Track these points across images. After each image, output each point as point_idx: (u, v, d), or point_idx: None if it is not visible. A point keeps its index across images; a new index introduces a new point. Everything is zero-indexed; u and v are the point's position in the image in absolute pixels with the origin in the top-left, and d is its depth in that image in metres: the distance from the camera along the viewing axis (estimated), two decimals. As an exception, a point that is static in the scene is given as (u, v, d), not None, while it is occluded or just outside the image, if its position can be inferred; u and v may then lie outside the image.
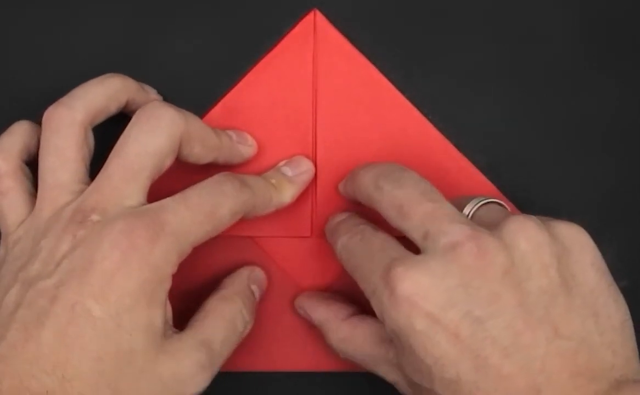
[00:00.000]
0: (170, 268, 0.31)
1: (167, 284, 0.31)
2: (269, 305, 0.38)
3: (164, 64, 0.39)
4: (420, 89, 0.38)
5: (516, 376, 0.28)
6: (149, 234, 0.30)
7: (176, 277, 0.32)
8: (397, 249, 0.32)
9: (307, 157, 0.38)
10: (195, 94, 0.38)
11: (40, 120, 0.34)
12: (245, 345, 0.37)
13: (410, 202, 0.31)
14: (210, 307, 0.34)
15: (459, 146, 0.38)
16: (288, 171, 0.37)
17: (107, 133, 0.34)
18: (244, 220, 0.34)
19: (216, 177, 0.33)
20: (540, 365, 0.28)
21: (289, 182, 0.36)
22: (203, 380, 0.32)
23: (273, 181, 0.36)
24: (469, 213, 0.32)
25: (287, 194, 0.36)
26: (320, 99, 0.38)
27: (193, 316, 0.34)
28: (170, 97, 0.38)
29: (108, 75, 0.35)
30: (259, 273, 0.37)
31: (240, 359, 0.37)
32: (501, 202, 0.33)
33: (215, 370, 0.32)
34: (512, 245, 0.30)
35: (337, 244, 0.34)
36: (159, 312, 0.31)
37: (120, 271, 0.30)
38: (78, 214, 0.31)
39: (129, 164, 0.32)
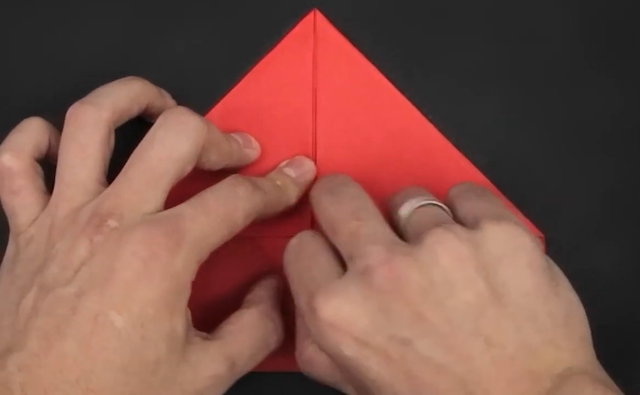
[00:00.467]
0: (190, 276, 0.31)
1: (187, 292, 0.31)
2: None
3: (164, 64, 0.39)
4: (420, 89, 0.38)
5: (452, 391, 0.28)
6: (170, 243, 0.30)
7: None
8: (322, 268, 0.31)
9: (307, 157, 0.38)
10: (195, 94, 0.38)
11: (57, 118, 0.34)
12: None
13: (339, 220, 0.31)
14: (248, 322, 0.33)
15: (459, 146, 0.38)
16: (291, 172, 0.37)
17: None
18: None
19: (229, 180, 0.33)
20: (476, 378, 0.28)
21: (293, 183, 0.36)
22: (219, 392, 0.32)
23: (278, 183, 0.36)
24: (407, 214, 0.32)
25: (293, 195, 0.36)
26: (320, 99, 0.38)
27: (225, 323, 0.33)
28: (171, 96, 0.38)
29: (130, 77, 0.35)
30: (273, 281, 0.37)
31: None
32: (439, 203, 0.32)
33: (232, 382, 0.33)
34: (431, 263, 0.29)
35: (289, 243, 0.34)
36: (181, 320, 0.31)
37: (142, 281, 0.29)
38: (95, 217, 0.31)
39: (151, 169, 0.31)
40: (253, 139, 0.37)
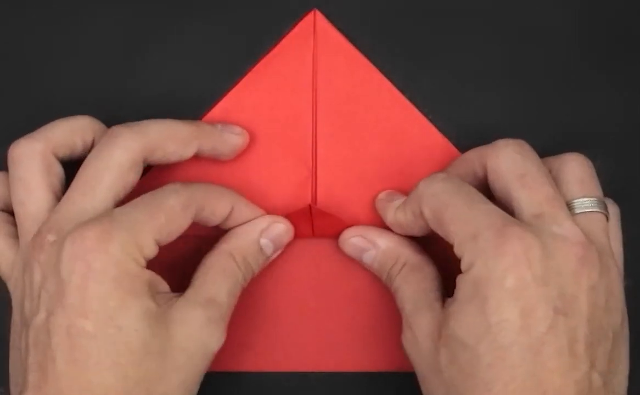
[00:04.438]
0: (133, 260, 0.31)
1: (143, 275, 0.31)
2: (269, 305, 0.38)
3: (164, 65, 0.39)
4: (420, 89, 0.38)
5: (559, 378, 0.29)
6: (100, 235, 0.31)
7: (175, 276, 0.32)
8: (499, 209, 0.32)
9: (307, 157, 0.38)
10: (195, 94, 0.38)
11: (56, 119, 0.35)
12: (245, 345, 0.37)
13: (534, 178, 0.32)
14: (211, 264, 0.34)
15: (459, 146, 0.38)
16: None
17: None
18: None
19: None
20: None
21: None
22: (220, 333, 0.33)
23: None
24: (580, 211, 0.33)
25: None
26: (320, 99, 0.38)
27: (195, 272, 0.34)
28: (170, 97, 0.38)
29: (77, 115, 0.35)
30: (278, 227, 0.37)
31: (240, 359, 0.37)
32: (604, 212, 0.33)
33: (228, 319, 0.34)
34: (607, 270, 0.31)
35: (422, 185, 0.34)
36: (147, 298, 0.31)
37: (90, 279, 0.30)
38: (37, 238, 0.32)
39: (87, 181, 0.33)
40: (237, 127, 0.37)
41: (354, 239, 0.37)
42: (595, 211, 0.33)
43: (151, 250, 0.32)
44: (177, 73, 0.38)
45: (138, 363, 0.30)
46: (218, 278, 0.34)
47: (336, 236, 0.37)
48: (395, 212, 0.35)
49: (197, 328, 0.32)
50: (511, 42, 0.39)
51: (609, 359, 0.31)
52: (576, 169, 0.34)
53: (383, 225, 0.37)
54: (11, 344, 0.34)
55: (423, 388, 0.33)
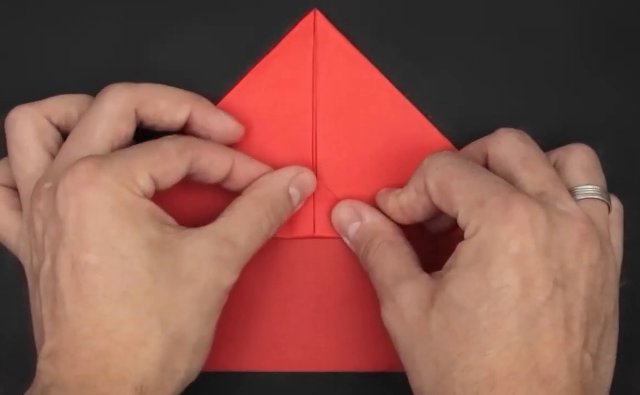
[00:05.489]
0: (129, 189, 0.31)
1: (142, 204, 0.31)
2: (270, 305, 0.38)
3: (164, 65, 0.39)
4: (420, 89, 0.38)
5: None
6: (91, 168, 0.31)
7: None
8: (497, 179, 0.32)
9: (307, 156, 0.38)
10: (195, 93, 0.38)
11: None
12: (245, 345, 0.37)
13: (536, 160, 0.33)
14: (238, 205, 0.34)
15: (459, 146, 0.38)
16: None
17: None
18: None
19: None
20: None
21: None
22: (230, 272, 0.32)
23: None
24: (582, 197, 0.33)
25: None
26: (320, 99, 0.38)
27: (222, 212, 0.34)
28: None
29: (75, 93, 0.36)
30: (304, 176, 0.37)
31: (240, 359, 0.37)
32: (606, 201, 0.33)
33: (243, 263, 0.33)
34: (606, 255, 0.31)
35: (427, 160, 0.34)
36: (150, 225, 0.31)
37: (86, 211, 0.30)
38: (35, 189, 0.32)
39: (78, 132, 0.33)
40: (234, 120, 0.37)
41: (345, 209, 0.37)
42: (598, 199, 0.33)
43: (147, 183, 0.32)
44: (177, 73, 0.38)
45: (147, 292, 0.30)
46: (241, 220, 0.34)
47: (336, 236, 0.38)
48: (397, 195, 0.35)
49: (206, 262, 0.32)
50: (511, 42, 0.39)
51: (599, 344, 0.31)
52: (581, 157, 0.34)
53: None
54: (32, 315, 0.33)
55: (405, 361, 0.32)
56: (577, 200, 0.33)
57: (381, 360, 0.38)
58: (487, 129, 0.38)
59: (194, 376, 0.33)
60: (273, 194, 0.35)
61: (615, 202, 0.35)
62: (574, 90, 0.39)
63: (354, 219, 0.37)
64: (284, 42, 0.38)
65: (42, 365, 0.31)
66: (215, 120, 0.36)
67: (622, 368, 0.33)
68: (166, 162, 0.32)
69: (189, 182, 0.35)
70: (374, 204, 0.37)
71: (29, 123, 0.34)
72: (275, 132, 0.38)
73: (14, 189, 0.35)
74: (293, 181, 0.36)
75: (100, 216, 0.30)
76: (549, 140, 0.38)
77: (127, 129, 0.34)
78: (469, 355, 0.29)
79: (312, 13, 0.38)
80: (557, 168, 0.34)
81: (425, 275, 0.32)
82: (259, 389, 0.38)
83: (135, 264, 0.30)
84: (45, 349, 0.31)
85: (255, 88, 0.38)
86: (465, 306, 0.30)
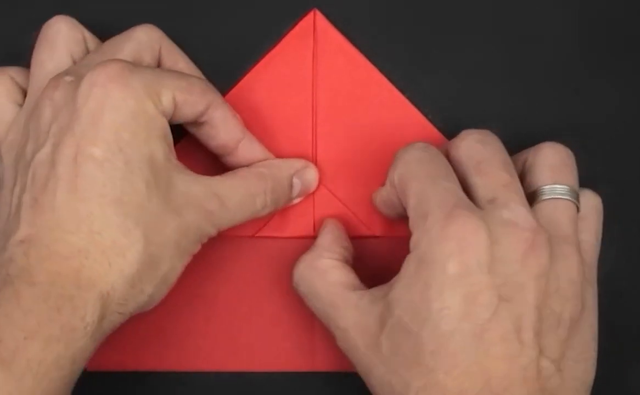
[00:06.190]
0: (152, 101, 0.31)
1: (160, 121, 0.31)
2: (269, 305, 0.38)
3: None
4: (420, 89, 0.38)
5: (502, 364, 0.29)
6: (123, 68, 0.31)
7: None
8: (460, 190, 0.31)
9: (307, 156, 0.38)
10: (195, 94, 0.38)
11: None
12: (244, 345, 0.37)
13: (491, 164, 0.32)
14: (241, 174, 0.34)
15: (459, 146, 0.38)
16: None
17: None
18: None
19: None
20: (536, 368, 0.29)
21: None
22: (211, 226, 0.33)
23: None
24: (537, 200, 0.33)
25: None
26: (320, 99, 0.38)
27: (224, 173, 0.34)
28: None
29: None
30: (310, 172, 0.37)
31: (240, 359, 0.37)
32: (573, 200, 0.33)
33: (224, 225, 0.33)
34: (563, 257, 0.31)
35: (400, 150, 0.34)
36: (159, 145, 0.31)
37: (107, 106, 0.30)
38: (53, 81, 0.32)
39: (106, 47, 0.35)
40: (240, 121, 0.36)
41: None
42: (564, 199, 0.32)
43: (169, 104, 0.32)
44: (177, 73, 0.38)
45: (139, 205, 0.30)
46: (237, 186, 0.34)
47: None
48: (380, 189, 0.35)
49: (193, 206, 0.32)
50: (511, 42, 0.39)
51: (566, 346, 0.31)
52: (549, 156, 0.33)
53: (383, 223, 0.37)
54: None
55: (369, 384, 0.32)
56: (541, 201, 0.32)
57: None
58: (487, 129, 0.38)
59: (152, 304, 0.32)
60: (277, 177, 0.35)
61: (593, 200, 0.34)
62: (574, 90, 0.39)
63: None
64: (284, 42, 0.38)
65: (12, 252, 0.29)
66: (228, 118, 0.35)
67: (620, 368, 0.33)
68: (190, 93, 0.33)
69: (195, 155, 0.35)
70: (374, 204, 0.37)
71: (66, 29, 0.35)
72: (275, 132, 0.38)
73: (23, 88, 0.35)
74: (298, 173, 0.37)
75: (118, 115, 0.30)
76: (549, 140, 0.38)
77: (150, 61, 0.35)
78: (421, 377, 0.29)
79: (312, 13, 0.38)
80: (526, 168, 0.34)
81: (366, 299, 0.32)
82: (257, 389, 0.38)
83: (136, 174, 0.30)
84: (19, 234, 0.29)
85: (255, 88, 0.38)
86: (410, 329, 0.30)
